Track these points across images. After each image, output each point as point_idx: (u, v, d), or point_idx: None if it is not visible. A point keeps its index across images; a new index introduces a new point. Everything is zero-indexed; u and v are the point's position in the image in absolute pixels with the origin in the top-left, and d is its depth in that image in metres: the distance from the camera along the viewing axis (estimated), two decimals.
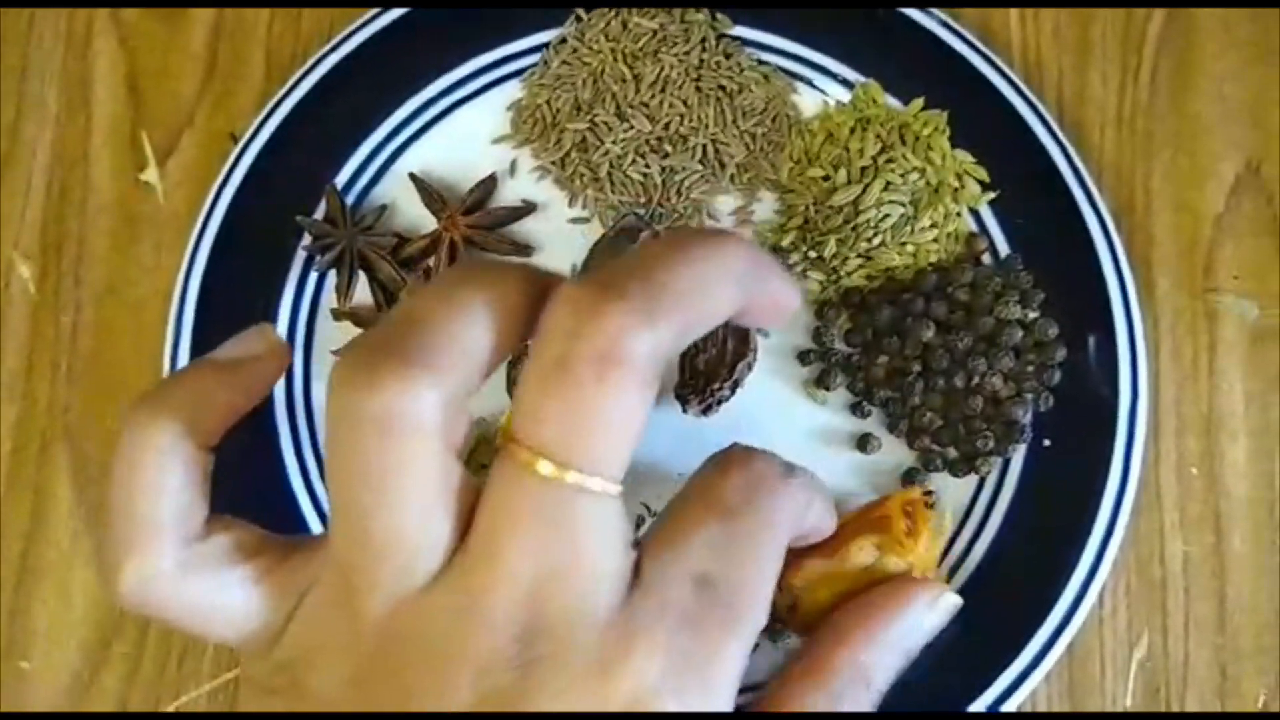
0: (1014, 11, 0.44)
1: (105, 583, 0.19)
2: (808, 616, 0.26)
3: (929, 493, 0.40)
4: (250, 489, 0.40)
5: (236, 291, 0.41)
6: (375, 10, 0.43)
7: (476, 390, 0.19)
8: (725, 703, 0.19)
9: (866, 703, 0.23)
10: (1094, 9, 0.44)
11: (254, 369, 0.22)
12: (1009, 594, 0.39)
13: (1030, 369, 0.40)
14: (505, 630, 0.18)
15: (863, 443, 0.40)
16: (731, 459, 0.21)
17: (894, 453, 0.40)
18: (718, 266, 0.19)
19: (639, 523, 0.40)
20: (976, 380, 0.39)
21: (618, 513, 0.19)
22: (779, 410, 0.41)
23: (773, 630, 0.36)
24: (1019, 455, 0.40)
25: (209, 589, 0.20)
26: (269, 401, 0.41)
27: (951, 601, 0.25)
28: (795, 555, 0.25)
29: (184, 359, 0.41)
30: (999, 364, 0.39)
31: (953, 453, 0.40)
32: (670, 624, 0.19)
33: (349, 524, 0.19)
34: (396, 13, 0.43)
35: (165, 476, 0.20)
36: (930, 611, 0.24)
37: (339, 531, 0.19)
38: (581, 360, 0.18)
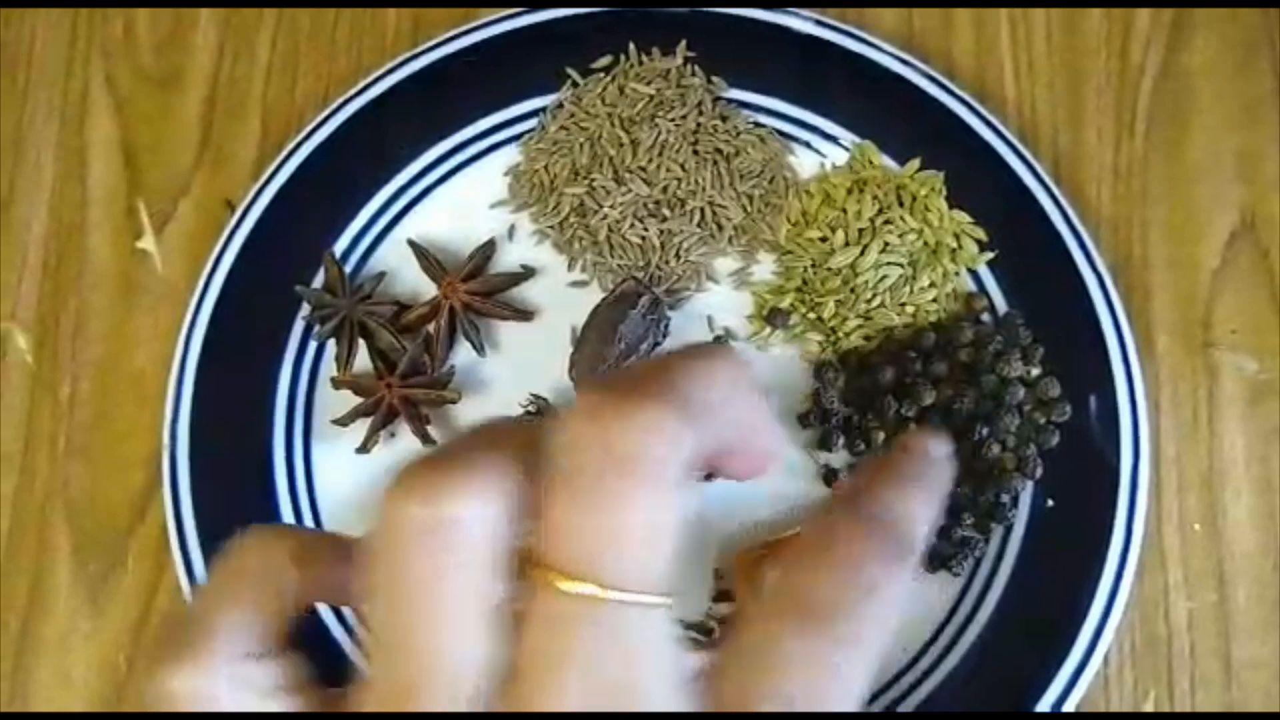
0: (1009, 68, 0.45)
1: (145, 673, 0.19)
2: None
3: None
4: None
5: (236, 362, 0.41)
6: (370, 78, 0.43)
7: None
8: None
9: (904, 548, 0.20)
10: (1086, 53, 0.44)
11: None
12: (1015, 655, 0.39)
13: (1035, 428, 0.40)
14: None
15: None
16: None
17: None
18: (727, 372, 0.19)
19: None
20: (981, 446, 0.39)
21: (666, 622, 0.18)
22: (783, 474, 0.41)
23: None
24: (1022, 517, 0.40)
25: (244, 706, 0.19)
26: (269, 477, 0.40)
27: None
28: None
29: (184, 431, 0.40)
30: (1000, 427, 0.39)
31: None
32: None
33: (389, 646, 0.18)
34: (391, 80, 0.43)
35: (256, 594, 0.20)
36: (940, 449, 0.23)
37: (378, 657, 0.18)
38: (605, 470, 0.17)
